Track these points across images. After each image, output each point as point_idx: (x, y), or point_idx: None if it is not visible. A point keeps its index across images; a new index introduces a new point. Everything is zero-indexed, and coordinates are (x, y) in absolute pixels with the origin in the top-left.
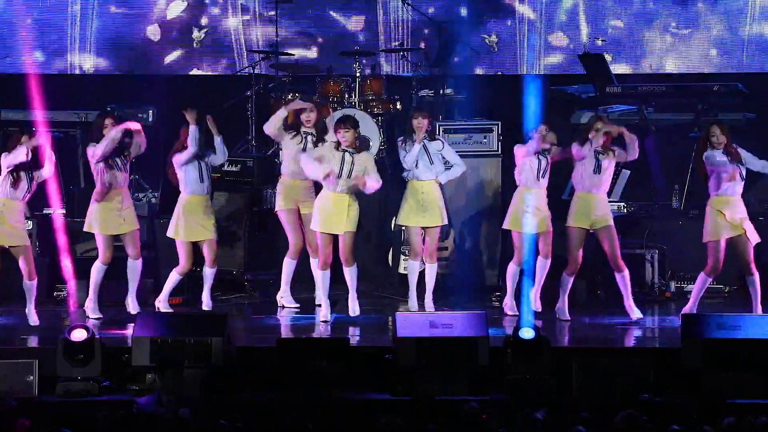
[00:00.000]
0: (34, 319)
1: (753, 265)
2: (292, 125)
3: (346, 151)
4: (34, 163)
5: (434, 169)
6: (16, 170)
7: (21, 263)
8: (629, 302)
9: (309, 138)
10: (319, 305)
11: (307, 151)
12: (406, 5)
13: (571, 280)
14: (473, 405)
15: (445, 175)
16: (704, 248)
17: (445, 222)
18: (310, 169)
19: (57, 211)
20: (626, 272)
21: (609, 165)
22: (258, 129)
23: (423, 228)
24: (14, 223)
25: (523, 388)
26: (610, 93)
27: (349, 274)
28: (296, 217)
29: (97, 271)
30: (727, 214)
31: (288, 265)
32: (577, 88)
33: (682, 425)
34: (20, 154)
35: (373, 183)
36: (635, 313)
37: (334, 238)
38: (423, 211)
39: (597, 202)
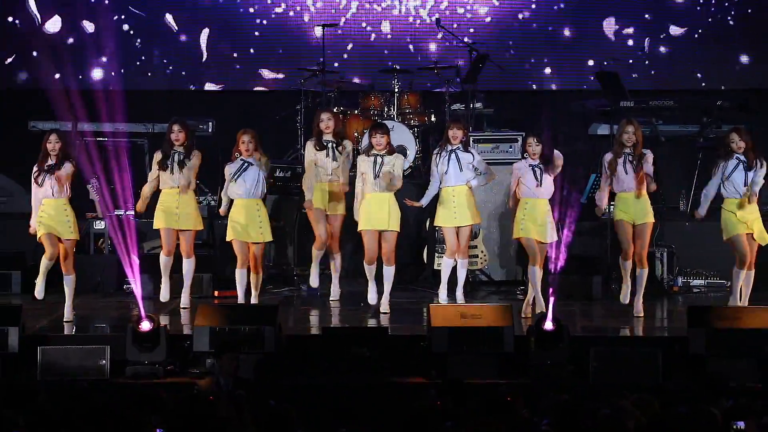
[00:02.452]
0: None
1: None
2: (319, 143)
3: (377, 155)
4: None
5: (464, 176)
6: (39, 173)
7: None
8: (638, 298)
9: (330, 145)
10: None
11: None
12: (440, 28)
13: (639, 270)
14: (500, 388)
15: (476, 181)
16: (708, 247)
17: (477, 221)
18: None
19: (127, 212)
20: (645, 270)
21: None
22: (306, 139)
23: (457, 228)
24: (56, 217)
25: (545, 373)
26: (623, 107)
27: (387, 272)
28: (322, 214)
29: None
30: (738, 213)
31: (315, 255)
32: (593, 103)
33: (687, 407)
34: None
35: (395, 181)
36: (637, 311)
37: (379, 237)
38: (456, 213)
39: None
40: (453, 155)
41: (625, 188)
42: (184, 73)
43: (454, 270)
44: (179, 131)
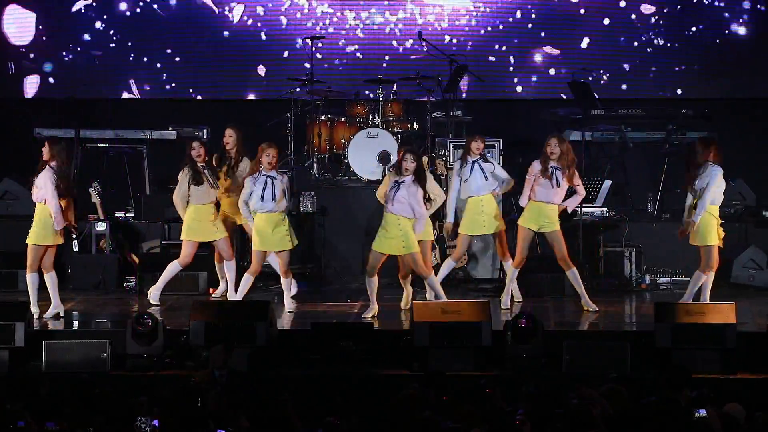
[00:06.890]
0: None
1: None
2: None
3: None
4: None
5: (489, 185)
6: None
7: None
8: (582, 295)
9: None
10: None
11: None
12: (421, 40)
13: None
14: (479, 380)
15: (502, 188)
16: (674, 247)
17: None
18: None
19: (126, 214)
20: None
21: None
22: (296, 145)
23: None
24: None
25: (521, 366)
26: (594, 115)
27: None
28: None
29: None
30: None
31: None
32: (566, 111)
33: (654, 396)
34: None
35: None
36: (589, 306)
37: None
38: (484, 221)
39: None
40: (476, 165)
41: (546, 199)
42: (173, 85)
43: (438, 268)
44: (199, 147)
